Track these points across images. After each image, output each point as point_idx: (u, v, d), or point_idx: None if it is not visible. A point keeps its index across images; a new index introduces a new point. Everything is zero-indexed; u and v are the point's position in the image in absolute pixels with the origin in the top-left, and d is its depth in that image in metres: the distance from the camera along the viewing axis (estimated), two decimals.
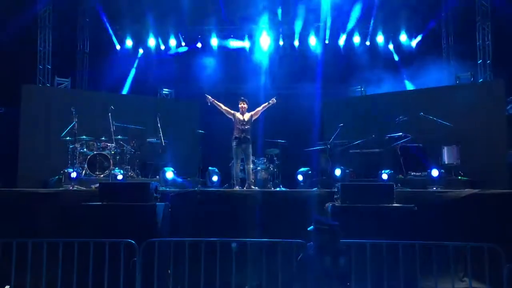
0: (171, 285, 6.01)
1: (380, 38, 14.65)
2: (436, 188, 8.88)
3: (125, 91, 14.25)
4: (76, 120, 9.68)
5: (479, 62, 12.93)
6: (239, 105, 9.57)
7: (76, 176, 9.21)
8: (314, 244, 4.54)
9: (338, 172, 9.21)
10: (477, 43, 12.90)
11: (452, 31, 14.14)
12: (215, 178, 10.51)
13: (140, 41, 15.02)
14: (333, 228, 4.53)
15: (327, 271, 4.34)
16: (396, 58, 14.56)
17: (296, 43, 14.87)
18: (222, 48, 15.03)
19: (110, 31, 14.74)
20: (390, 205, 6.60)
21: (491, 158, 10.11)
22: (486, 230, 6.83)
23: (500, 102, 10.63)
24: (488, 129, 10.31)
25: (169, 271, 6.00)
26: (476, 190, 7.70)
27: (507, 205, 7.22)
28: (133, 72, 14.72)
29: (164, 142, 10.20)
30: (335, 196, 6.95)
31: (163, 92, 13.75)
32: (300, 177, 10.51)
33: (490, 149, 10.19)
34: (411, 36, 14.55)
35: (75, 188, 8.74)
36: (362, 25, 14.56)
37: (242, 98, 9.68)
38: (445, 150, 9.96)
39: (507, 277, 5.26)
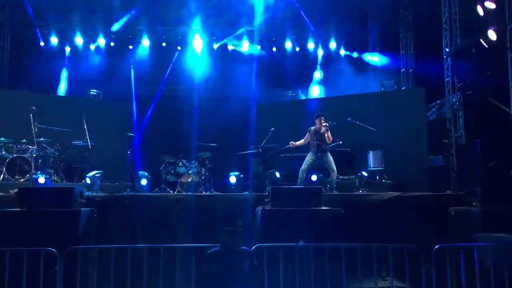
0: None
1: (311, 45, 14.98)
2: (362, 191, 9.21)
3: (51, 91, 13.54)
4: None
5: (402, 70, 13.63)
6: (319, 119, 9.46)
7: None
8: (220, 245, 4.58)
9: None
10: (401, 53, 13.61)
11: (378, 39, 14.76)
12: (144, 182, 10.21)
13: (66, 39, 14.31)
14: (236, 231, 4.59)
15: (231, 272, 4.38)
16: (323, 64, 14.91)
17: (230, 47, 14.88)
18: (154, 49, 14.71)
19: (34, 27, 13.95)
20: (319, 208, 6.75)
21: (412, 162, 10.63)
22: (407, 231, 7.18)
23: (421, 109, 11.23)
24: (410, 135, 10.83)
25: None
26: (398, 193, 8.07)
27: (426, 207, 7.64)
28: (59, 71, 14.01)
29: (91, 145, 9.80)
30: (266, 200, 7.01)
31: (91, 92, 13.19)
32: (232, 181, 10.49)
33: (412, 154, 10.72)
34: (339, 44, 15.00)
35: None
36: (294, 31, 14.84)
37: (321, 113, 9.60)
38: (370, 155, 10.37)
39: (426, 276, 5.55)
